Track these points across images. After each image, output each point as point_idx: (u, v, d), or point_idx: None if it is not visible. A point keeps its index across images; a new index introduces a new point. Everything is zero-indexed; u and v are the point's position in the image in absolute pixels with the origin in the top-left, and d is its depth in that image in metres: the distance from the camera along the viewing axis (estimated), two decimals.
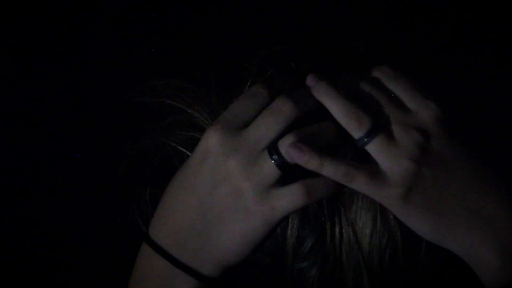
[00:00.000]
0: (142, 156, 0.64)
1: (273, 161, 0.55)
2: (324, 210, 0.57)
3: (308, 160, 0.54)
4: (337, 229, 0.57)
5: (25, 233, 0.83)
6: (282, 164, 0.55)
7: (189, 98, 0.61)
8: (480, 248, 0.55)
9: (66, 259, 0.83)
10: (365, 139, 0.55)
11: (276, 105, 0.57)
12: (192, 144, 0.61)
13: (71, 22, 0.84)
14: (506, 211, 0.55)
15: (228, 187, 0.56)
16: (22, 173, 0.83)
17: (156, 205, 0.61)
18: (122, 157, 0.65)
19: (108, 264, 0.80)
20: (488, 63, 0.66)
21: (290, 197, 0.55)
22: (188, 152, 0.61)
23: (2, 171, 0.83)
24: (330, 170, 0.55)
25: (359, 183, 0.54)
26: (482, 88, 0.65)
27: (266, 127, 0.56)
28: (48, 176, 0.83)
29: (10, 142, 0.83)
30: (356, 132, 0.55)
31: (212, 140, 0.56)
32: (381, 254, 0.57)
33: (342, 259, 0.57)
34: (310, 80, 0.58)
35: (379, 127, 0.55)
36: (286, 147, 0.55)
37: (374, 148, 0.55)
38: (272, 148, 0.56)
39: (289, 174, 0.56)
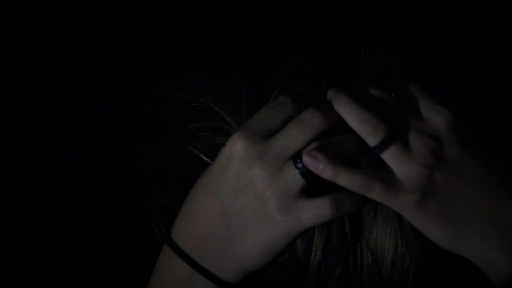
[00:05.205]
0: (163, 159, 0.63)
1: (297, 170, 0.55)
2: (347, 236, 0.57)
3: (323, 169, 0.54)
4: (358, 255, 0.57)
5: (35, 235, 0.84)
6: (306, 172, 0.55)
7: (228, 104, 0.61)
8: (493, 255, 0.54)
9: (85, 260, 0.83)
10: (381, 147, 0.55)
11: (305, 116, 0.57)
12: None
13: (84, 19, 0.84)
14: None
15: (251, 194, 0.56)
16: (32, 175, 0.84)
17: (172, 211, 0.61)
18: (142, 159, 0.64)
19: (127, 265, 0.80)
20: (499, 65, 0.65)
21: (317, 210, 0.55)
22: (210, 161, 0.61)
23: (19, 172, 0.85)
24: (345, 179, 0.54)
25: (375, 193, 0.54)
26: (493, 91, 0.65)
27: (293, 137, 0.56)
28: (60, 176, 0.84)
29: (25, 145, 0.85)
30: (371, 139, 0.55)
31: (237, 146, 0.56)
32: (404, 278, 0.56)
33: (363, 285, 0.57)
34: (330, 94, 0.58)
35: (395, 134, 0.55)
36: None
37: (389, 156, 0.55)
38: (297, 157, 0.56)
39: (314, 183, 0.56)
